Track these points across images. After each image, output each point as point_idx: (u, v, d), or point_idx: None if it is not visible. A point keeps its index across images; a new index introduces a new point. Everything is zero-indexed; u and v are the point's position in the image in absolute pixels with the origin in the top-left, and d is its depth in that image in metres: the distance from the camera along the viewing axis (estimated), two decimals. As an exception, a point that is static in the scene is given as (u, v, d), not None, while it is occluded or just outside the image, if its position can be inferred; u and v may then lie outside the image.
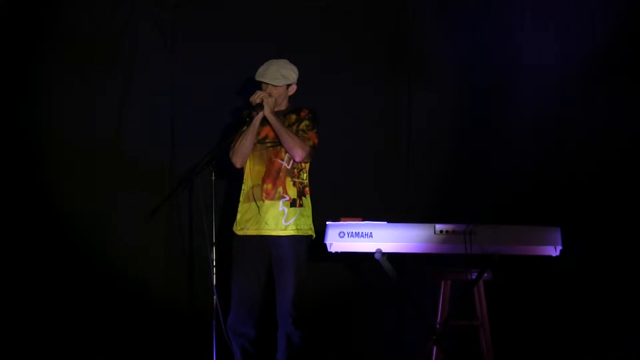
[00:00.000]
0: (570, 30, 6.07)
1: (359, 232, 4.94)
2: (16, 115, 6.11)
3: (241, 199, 5.29)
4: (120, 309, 6.05)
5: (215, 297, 5.19)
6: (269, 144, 5.25)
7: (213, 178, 5.25)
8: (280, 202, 5.20)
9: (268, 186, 5.21)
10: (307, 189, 5.29)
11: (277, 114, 5.23)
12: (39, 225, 6.04)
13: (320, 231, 5.11)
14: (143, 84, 6.19)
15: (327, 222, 4.99)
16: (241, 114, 5.38)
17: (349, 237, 4.94)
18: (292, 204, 5.22)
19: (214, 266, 5.20)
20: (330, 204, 5.69)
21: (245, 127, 5.23)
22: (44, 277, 6.03)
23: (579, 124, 6.03)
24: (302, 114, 5.29)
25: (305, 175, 5.29)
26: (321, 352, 5.91)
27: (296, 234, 5.20)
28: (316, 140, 5.25)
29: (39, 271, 6.02)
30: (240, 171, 5.31)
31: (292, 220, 5.20)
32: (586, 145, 5.99)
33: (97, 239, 6.10)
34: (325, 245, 4.98)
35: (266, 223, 5.19)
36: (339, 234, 4.95)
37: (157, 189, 6.11)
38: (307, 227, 5.26)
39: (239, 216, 5.29)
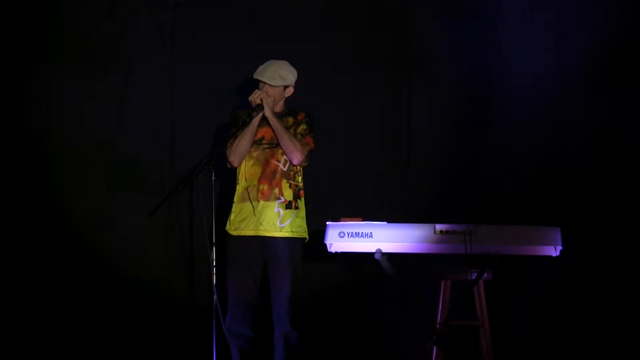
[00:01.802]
0: (570, 30, 6.07)
1: (359, 232, 4.93)
2: (16, 115, 6.11)
3: (235, 199, 5.29)
4: (120, 309, 6.05)
5: (215, 297, 5.19)
6: (265, 145, 5.24)
7: (213, 178, 5.25)
8: (276, 203, 5.20)
9: (264, 187, 5.21)
10: (302, 191, 5.29)
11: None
12: (38, 225, 6.04)
13: (320, 231, 5.11)
14: (143, 84, 6.19)
15: (327, 222, 4.98)
16: (235, 113, 5.36)
17: (349, 237, 4.94)
18: (288, 205, 5.22)
19: (214, 266, 5.19)
20: (330, 204, 5.69)
21: (244, 128, 5.23)
22: (44, 277, 6.03)
23: (579, 124, 6.03)
24: (299, 117, 5.29)
25: (300, 178, 5.29)
26: (321, 353, 5.91)
27: (291, 235, 5.21)
28: (313, 145, 5.26)
29: (39, 271, 6.03)
30: (234, 171, 5.30)
31: (287, 222, 5.20)
32: (586, 145, 5.99)
33: (97, 239, 6.11)
34: (325, 245, 4.98)
35: (261, 224, 5.19)
36: (339, 234, 4.94)
37: (157, 189, 6.11)
38: (301, 229, 5.26)
39: (232, 216, 5.28)
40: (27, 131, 6.14)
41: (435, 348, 5.22)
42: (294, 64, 5.32)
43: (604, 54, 6.01)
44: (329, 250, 4.99)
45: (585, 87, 6.03)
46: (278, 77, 5.24)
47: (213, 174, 5.22)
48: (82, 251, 6.08)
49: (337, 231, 4.95)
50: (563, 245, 4.88)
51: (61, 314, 6.03)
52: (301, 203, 5.28)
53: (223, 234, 5.46)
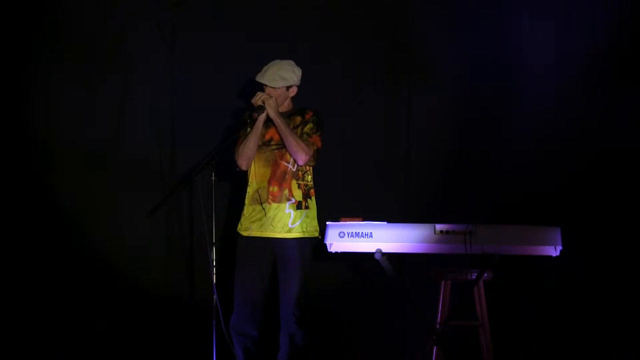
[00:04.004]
0: (570, 30, 6.07)
1: (359, 232, 4.94)
2: (16, 115, 6.11)
3: (246, 201, 5.29)
4: (121, 309, 6.05)
5: (215, 296, 5.19)
6: (274, 147, 5.24)
7: (213, 178, 5.26)
8: (287, 205, 5.20)
9: (274, 189, 5.21)
10: (312, 190, 5.29)
11: (281, 115, 5.23)
12: (39, 226, 6.04)
13: (321, 231, 5.11)
14: (143, 84, 6.19)
15: (327, 222, 4.99)
16: (243, 116, 5.38)
17: (349, 237, 4.94)
18: (298, 206, 5.21)
19: (214, 266, 5.20)
20: (331, 204, 5.68)
21: (248, 129, 5.23)
22: (45, 277, 6.03)
23: (579, 124, 6.03)
24: (307, 116, 5.28)
25: (309, 177, 5.29)
26: (321, 352, 5.91)
27: (302, 236, 5.21)
28: (320, 144, 5.25)
29: (39, 271, 6.02)
30: (244, 173, 5.30)
31: (298, 223, 5.20)
32: (586, 145, 5.99)
33: (97, 239, 6.11)
34: (325, 245, 4.99)
35: (272, 225, 5.19)
36: (339, 234, 4.95)
37: (157, 189, 6.12)
38: (312, 228, 5.26)
39: (243, 217, 5.28)
40: (27, 131, 6.14)
41: (435, 348, 5.22)
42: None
43: (604, 54, 6.01)
44: (329, 250, 4.99)
45: (585, 87, 6.03)
46: (279, 78, 5.23)
47: (213, 173, 5.22)
48: (82, 251, 6.07)
49: (337, 231, 4.95)
50: (563, 245, 4.88)
51: (61, 314, 6.02)
52: (311, 202, 5.28)
53: (224, 234, 5.46)
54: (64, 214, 6.10)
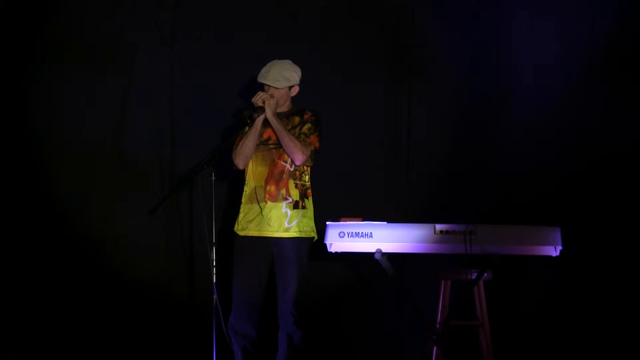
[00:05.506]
0: (570, 30, 6.07)
1: (359, 232, 4.94)
2: (16, 115, 6.12)
3: (243, 200, 5.29)
4: (120, 309, 6.05)
5: (215, 296, 5.19)
6: (272, 146, 5.24)
7: (213, 178, 5.25)
8: (284, 204, 5.20)
9: (271, 188, 5.21)
10: (309, 191, 5.29)
11: (280, 115, 5.23)
12: (39, 225, 6.04)
13: (321, 231, 5.11)
14: (143, 84, 6.19)
15: (327, 222, 4.99)
16: (242, 115, 5.38)
17: (349, 237, 4.94)
18: (295, 205, 5.21)
19: (214, 266, 5.20)
20: (331, 204, 5.69)
21: (247, 129, 5.23)
22: (44, 277, 6.03)
23: (579, 124, 6.02)
24: (306, 116, 5.28)
25: (307, 177, 5.29)
26: (321, 352, 5.91)
27: (299, 235, 5.20)
28: (318, 144, 5.25)
29: (39, 271, 6.03)
30: (241, 172, 5.30)
31: (294, 222, 5.20)
32: (586, 145, 5.99)
33: (97, 238, 6.11)
34: (325, 245, 4.99)
35: (269, 224, 5.19)
36: (339, 234, 4.95)
37: (157, 189, 6.12)
38: (309, 228, 5.26)
39: (240, 217, 5.28)
40: (28, 131, 6.14)
41: (435, 348, 5.22)
42: (294, 63, 5.31)
43: (604, 54, 6.00)
44: (329, 250, 4.99)
45: (586, 87, 6.03)
46: (282, 79, 5.23)
47: (213, 173, 5.22)
48: (83, 251, 6.08)
49: (337, 231, 4.95)
50: (563, 245, 4.88)
51: (61, 313, 6.03)
52: (308, 202, 5.28)
53: (223, 234, 5.46)
54: (64, 214, 6.10)
